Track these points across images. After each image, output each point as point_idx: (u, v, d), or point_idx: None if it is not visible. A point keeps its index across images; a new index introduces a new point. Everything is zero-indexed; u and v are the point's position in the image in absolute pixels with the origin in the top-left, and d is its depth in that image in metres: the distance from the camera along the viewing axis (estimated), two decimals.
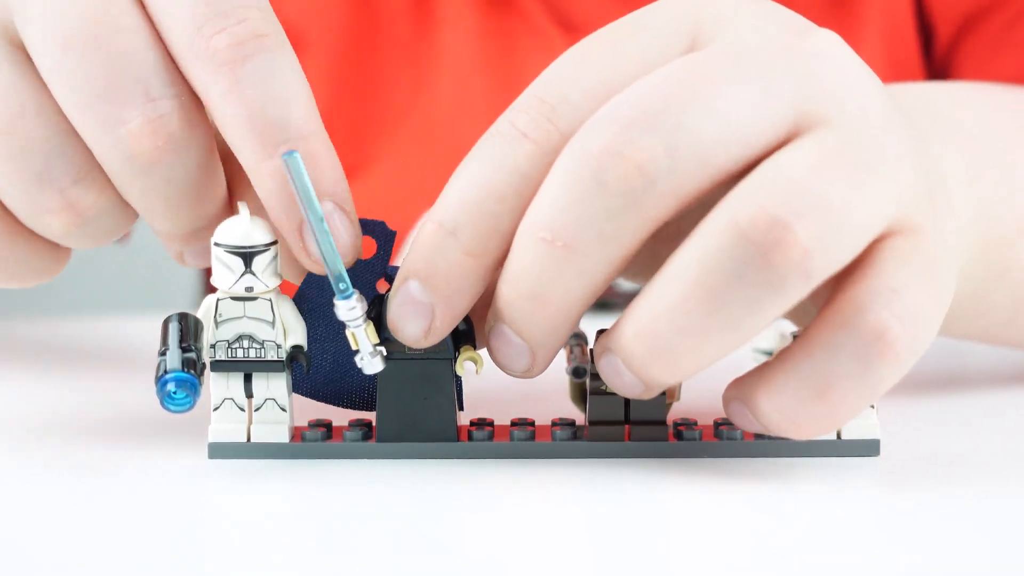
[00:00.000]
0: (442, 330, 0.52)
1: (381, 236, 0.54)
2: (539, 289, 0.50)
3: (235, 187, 0.55)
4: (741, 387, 0.51)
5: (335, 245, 0.51)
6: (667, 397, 0.55)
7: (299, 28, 0.87)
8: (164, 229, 0.54)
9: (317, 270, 0.53)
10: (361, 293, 0.52)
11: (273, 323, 0.54)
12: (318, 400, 0.56)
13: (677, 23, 0.52)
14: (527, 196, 0.50)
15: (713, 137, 0.49)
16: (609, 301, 0.90)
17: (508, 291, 0.51)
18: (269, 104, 0.51)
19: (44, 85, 0.53)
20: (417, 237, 0.52)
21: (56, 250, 0.56)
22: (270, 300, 0.54)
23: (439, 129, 0.88)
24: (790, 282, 0.48)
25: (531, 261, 0.50)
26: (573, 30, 0.88)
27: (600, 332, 0.53)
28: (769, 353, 0.62)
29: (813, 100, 0.49)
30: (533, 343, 0.51)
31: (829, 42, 0.51)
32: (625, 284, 0.90)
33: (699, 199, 0.49)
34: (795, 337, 0.56)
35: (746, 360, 0.60)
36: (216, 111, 0.52)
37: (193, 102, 0.53)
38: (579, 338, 0.58)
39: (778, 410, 0.50)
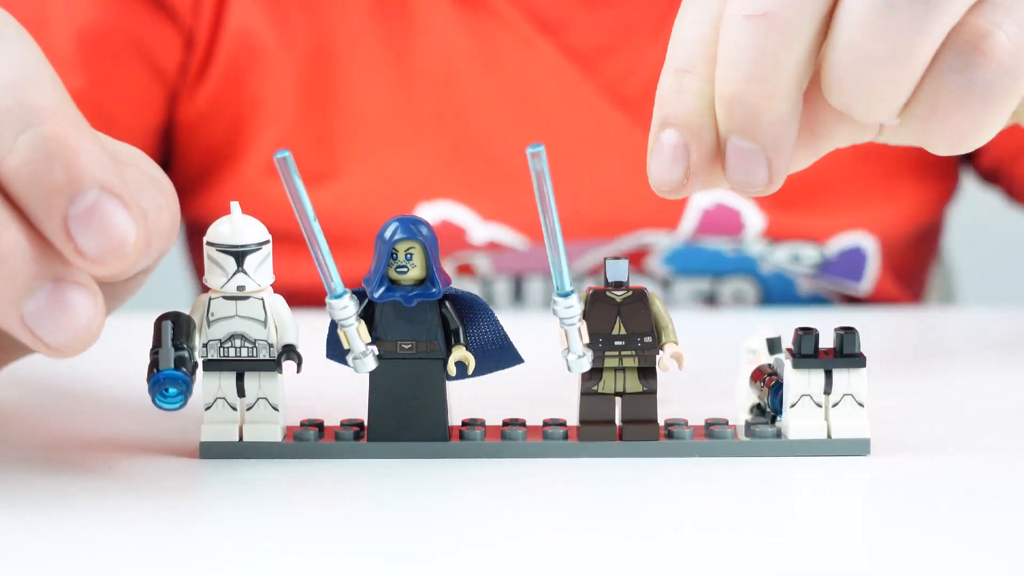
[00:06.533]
0: (701, 165, 0.52)
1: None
2: (756, 68, 0.50)
3: None
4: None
5: (326, 244, 0.51)
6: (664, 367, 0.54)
7: (261, 39, 0.87)
8: None
9: (80, 263, 0.47)
10: None
11: (265, 322, 0.54)
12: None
13: None
14: None
15: None
16: None
17: (729, 87, 0.51)
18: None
19: None
20: (657, 92, 0.52)
21: None
22: (262, 299, 0.54)
23: (425, 130, 0.88)
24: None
25: (743, 41, 0.50)
26: (544, 23, 0.88)
27: None
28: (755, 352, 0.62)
29: None
30: (765, 142, 0.51)
31: None
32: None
33: None
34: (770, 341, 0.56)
35: (739, 361, 0.60)
36: None
37: None
38: None
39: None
